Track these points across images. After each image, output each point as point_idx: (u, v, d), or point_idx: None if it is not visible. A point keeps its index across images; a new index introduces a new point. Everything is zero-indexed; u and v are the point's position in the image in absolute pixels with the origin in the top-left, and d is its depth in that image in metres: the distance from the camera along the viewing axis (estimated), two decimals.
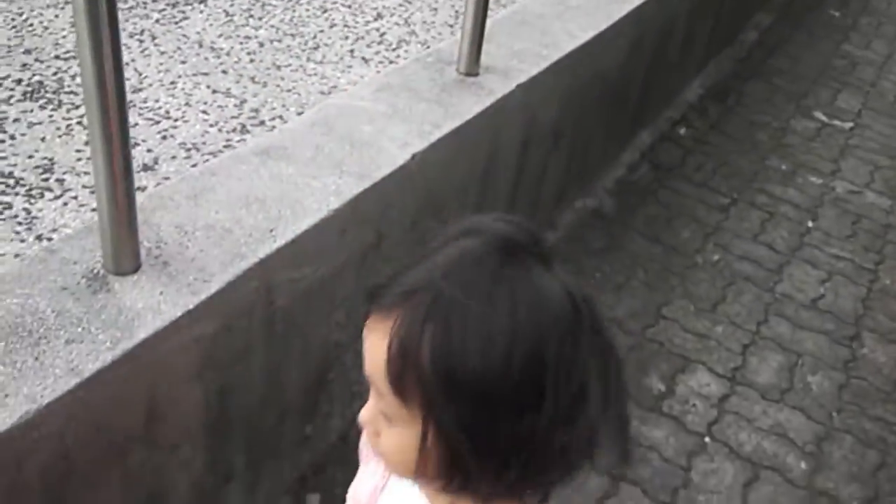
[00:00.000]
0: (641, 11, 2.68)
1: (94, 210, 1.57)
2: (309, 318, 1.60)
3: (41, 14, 3.05)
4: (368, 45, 3.02)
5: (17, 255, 1.79)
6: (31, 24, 2.98)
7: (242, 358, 1.45)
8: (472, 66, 2.05)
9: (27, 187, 2.07)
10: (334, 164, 1.66)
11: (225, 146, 2.33)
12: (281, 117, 2.50)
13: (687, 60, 3.67)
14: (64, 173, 2.14)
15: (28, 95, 2.51)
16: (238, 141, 2.36)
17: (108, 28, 1.15)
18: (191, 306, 1.26)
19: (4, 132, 2.29)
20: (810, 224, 3.14)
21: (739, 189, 3.29)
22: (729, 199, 3.22)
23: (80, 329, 1.18)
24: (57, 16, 3.04)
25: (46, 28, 2.95)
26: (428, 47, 2.98)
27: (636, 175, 3.24)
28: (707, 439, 2.21)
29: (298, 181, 1.59)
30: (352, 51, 2.97)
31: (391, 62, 2.91)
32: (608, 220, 2.96)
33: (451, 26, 3.14)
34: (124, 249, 1.28)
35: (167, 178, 2.13)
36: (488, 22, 2.43)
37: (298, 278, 1.51)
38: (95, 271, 1.29)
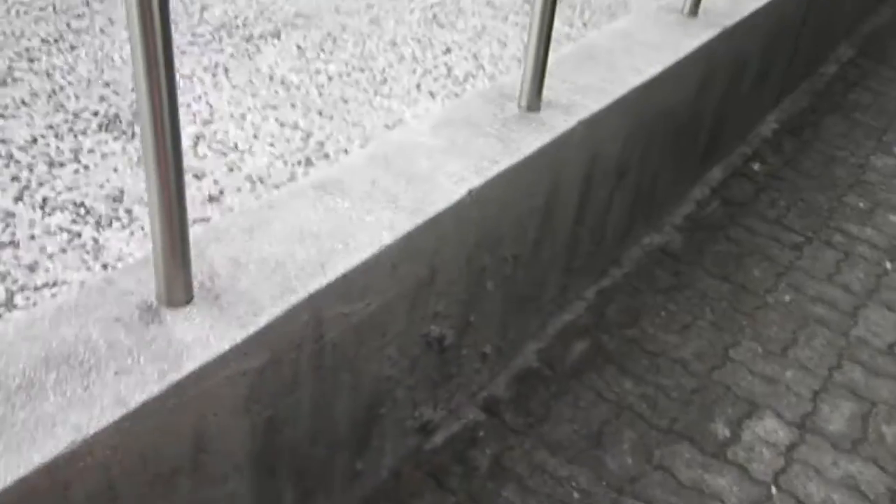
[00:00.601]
0: (711, 47, 2.63)
1: None
2: (359, 352, 1.60)
3: (122, 48, 3.18)
4: (436, 79, 3.04)
5: (82, 283, 1.85)
6: (112, 58, 3.10)
7: (291, 391, 1.45)
8: (534, 101, 2.04)
9: (97, 217, 2.14)
10: (389, 198, 1.66)
11: (289, 179, 2.37)
12: (345, 150, 2.52)
13: (762, 94, 3.58)
14: (132, 203, 2.21)
15: (103, 127, 2.60)
16: (303, 173, 2.39)
17: (163, 59, 1.18)
18: (239, 340, 1.27)
19: (79, 162, 2.37)
20: (888, 265, 3.01)
21: (814, 227, 3.17)
22: (803, 237, 3.11)
23: (129, 360, 1.20)
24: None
25: (125, 61, 3.07)
26: (495, 81, 2.99)
27: (706, 211, 3.16)
28: (774, 490, 2.11)
29: (353, 215, 1.60)
30: (419, 85, 2.99)
31: (457, 96, 2.92)
32: (676, 257, 2.89)
33: (520, 60, 3.13)
34: (177, 282, 1.30)
35: (231, 209, 2.17)
36: (554, 56, 2.42)
37: (349, 313, 1.50)
38: (149, 303, 1.31)
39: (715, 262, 2.90)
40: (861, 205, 3.38)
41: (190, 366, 1.21)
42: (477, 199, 1.76)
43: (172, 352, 1.23)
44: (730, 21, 2.74)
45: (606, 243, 2.61)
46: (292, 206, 1.60)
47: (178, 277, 1.31)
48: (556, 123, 2.00)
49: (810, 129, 3.89)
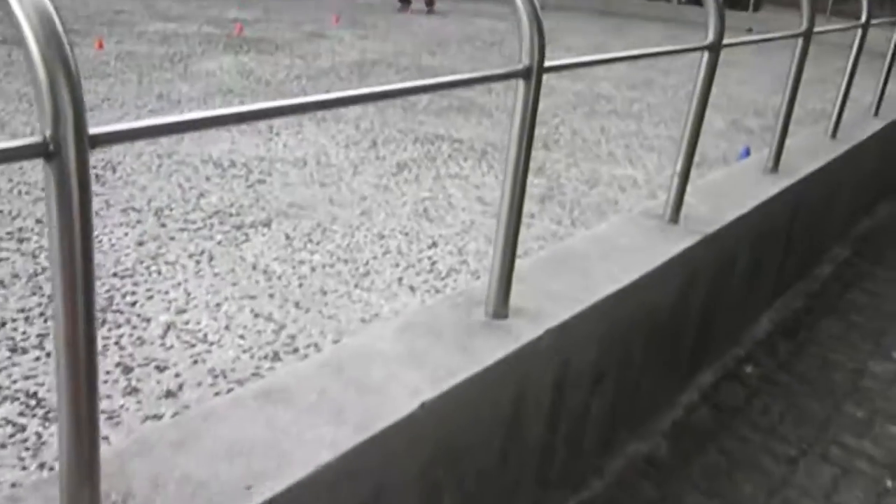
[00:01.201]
0: (692, 252, 2.62)
1: (104, 438, 1.53)
2: None
3: (112, 231, 3.22)
4: (418, 274, 3.04)
5: (12, 485, 1.74)
6: (100, 241, 3.14)
7: None
8: (501, 308, 1.99)
9: (46, 409, 2.07)
10: (335, 411, 1.58)
11: (253, 373, 2.31)
12: (316, 345, 2.48)
13: (753, 296, 3.54)
14: None
15: None
16: (268, 368, 2.33)
17: (82, 268, 1.14)
18: None
19: (43, 349, 2.33)
20: (889, 484, 2.83)
21: (810, 438, 3.03)
22: (798, 449, 2.96)
23: None
24: (126, 234, 3.20)
25: (113, 245, 3.10)
26: (478, 277, 2.97)
27: (695, 417, 3.04)
28: None
29: (293, 430, 1.51)
30: (400, 279, 2.99)
31: (438, 291, 2.91)
32: (662, 468, 2.74)
33: None
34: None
35: (187, 407, 2.09)
36: (528, 261, 2.40)
37: None
38: None
39: (704, 475, 2.75)
40: (859, 414, 3.25)
41: None
42: (431, 412, 1.67)
43: None
44: (711, 228, 2.74)
45: (585, 452, 2.48)
46: (230, 416, 1.52)
47: (83, 500, 1.21)
48: (521, 332, 1.94)
49: (805, 331, 3.82)
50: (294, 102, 1.46)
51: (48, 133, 1.05)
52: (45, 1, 1.04)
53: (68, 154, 1.06)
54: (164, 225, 3.30)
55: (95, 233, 3.23)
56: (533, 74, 1.71)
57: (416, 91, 1.80)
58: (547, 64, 1.74)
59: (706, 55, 2.54)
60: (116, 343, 2.38)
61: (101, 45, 7.14)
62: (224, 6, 10.42)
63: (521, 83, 1.74)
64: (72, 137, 1.06)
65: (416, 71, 7.16)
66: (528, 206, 3.85)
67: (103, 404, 2.09)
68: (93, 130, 1.10)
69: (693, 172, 4.41)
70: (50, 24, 1.04)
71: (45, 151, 1.06)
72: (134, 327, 2.47)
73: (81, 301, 1.15)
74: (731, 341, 3.48)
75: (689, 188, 3.01)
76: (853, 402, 3.33)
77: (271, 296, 2.75)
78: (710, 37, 2.51)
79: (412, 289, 2.86)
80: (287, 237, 3.24)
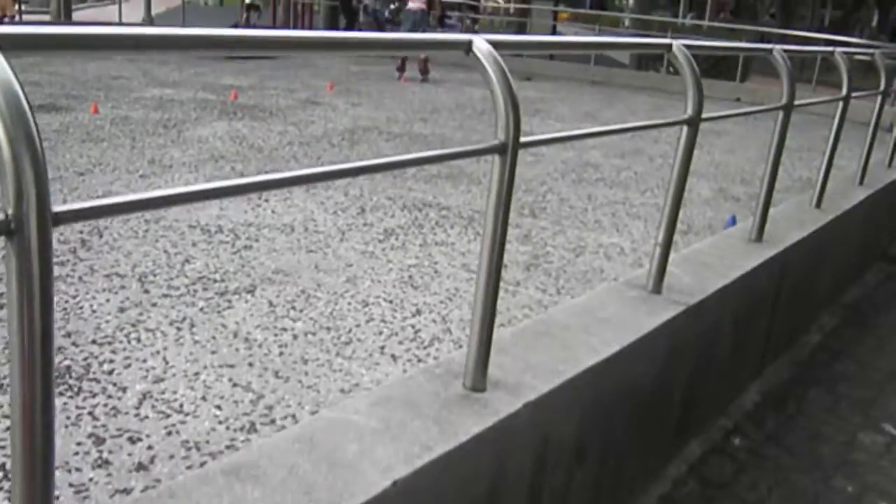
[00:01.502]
0: (675, 324, 2.60)
1: None
2: None
3: (94, 297, 3.20)
4: (401, 342, 3.01)
5: None
6: (81, 307, 3.11)
7: None
8: (479, 380, 1.97)
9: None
10: (305, 489, 1.54)
11: (227, 446, 2.26)
12: (293, 416, 2.44)
13: (740, 365, 3.52)
14: (55, 468, 2.09)
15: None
16: (243, 440, 2.29)
17: (41, 345, 1.12)
18: None
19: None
20: None
21: None
22: None
23: None
24: (108, 300, 3.17)
25: (94, 311, 3.07)
26: (460, 346, 2.95)
27: (682, 492, 2.99)
28: None
29: None
30: (383, 347, 2.96)
31: (420, 360, 2.88)
32: None
33: None
34: None
35: (158, 481, 2.04)
36: (509, 331, 2.39)
37: None
38: None
39: None
40: (849, 489, 3.19)
41: None
42: (404, 490, 1.63)
43: None
44: (694, 299, 2.73)
45: None
46: (195, 495, 1.48)
47: None
48: (499, 406, 1.91)
49: (794, 402, 3.78)
50: (274, 177, 1.46)
51: (10, 211, 1.05)
52: (11, 78, 1.05)
53: (30, 232, 1.06)
54: (147, 291, 3.29)
55: (77, 299, 3.22)
56: (508, 150, 1.72)
57: (396, 166, 1.81)
58: (522, 140, 1.75)
59: (685, 129, 2.57)
60: (90, 413, 2.35)
61: (96, 110, 7.22)
62: (220, 73, 10.59)
63: (496, 158, 1.75)
64: (34, 216, 1.05)
65: (407, 138, 7.24)
66: (514, 273, 3.85)
67: (72, 477, 2.04)
68: (56, 208, 1.10)
69: (679, 240, 4.43)
70: (15, 101, 1.04)
71: (7, 229, 1.05)
72: (109, 396, 2.43)
73: (39, 380, 1.13)
74: (717, 412, 3.44)
75: (673, 257, 3.01)
76: (843, 475, 3.28)
77: (251, 364, 2.72)
78: (689, 111, 2.55)
79: (394, 357, 2.84)
80: (270, 304, 3.22)
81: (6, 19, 13.09)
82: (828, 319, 4.79)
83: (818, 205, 4.47)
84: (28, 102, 1.06)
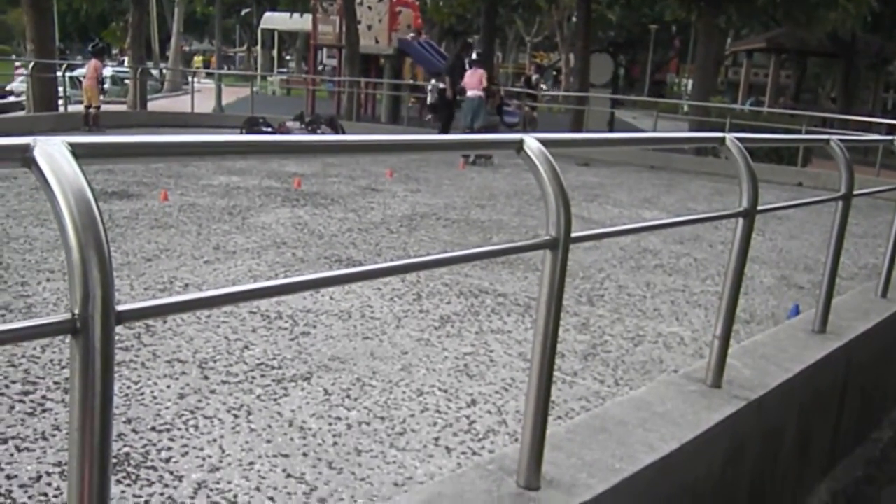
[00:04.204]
0: (736, 420, 2.54)
1: None
2: None
3: (156, 384, 3.26)
4: (455, 434, 2.98)
5: None
6: (142, 393, 3.17)
7: None
8: (533, 478, 1.94)
9: None
10: None
11: None
12: None
13: (806, 465, 3.38)
14: None
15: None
16: None
17: (100, 439, 1.15)
18: None
19: None
20: None
21: None
22: None
23: None
24: (169, 386, 3.23)
25: (155, 398, 3.12)
26: (516, 439, 2.90)
27: None
28: None
29: None
30: (437, 438, 2.93)
31: (474, 453, 2.84)
32: None
33: None
34: None
35: None
36: (563, 427, 2.36)
37: None
38: None
39: None
40: None
41: None
42: None
43: None
44: (755, 394, 2.67)
45: None
46: None
47: None
48: None
49: (866, 503, 3.61)
50: (327, 275, 1.50)
51: (76, 311, 1.10)
52: (84, 186, 1.11)
53: (94, 332, 1.10)
54: (206, 377, 3.34)
55: (139, 385, 3.28)
56: (560, 245, 1.74)
57: (448, 262, 1.84)
58: (574, 235, 1.77)
59: (741, 220, 2.55)
60: (146, 502, 2.37)
61: (165, 197, 7.49)
62: (285, 161, 10.92)
63: (548, 253, 1.77)
64: (99, 316, 1.10)
65: (464, 224, 7.31)
66: (571, 363, 3.81)
67: None
68: (121, 307, 1.14)
69: (741, 330, 4.34)
70: (87, 208, 1.10)
71: (73, 329, 1.10)
72: (166, 485, 2.45)
73: (97, 473, 1.16)
74: None
75: (733, 350, 2.95)
76: None
77: (305, 454, 2.72)
78: (745, 203, 2.54)
79: (448, 450, 2.81)
80: (326, 392, 3.24)
81: (92, 109, 13.76)
82: None
83: (884, 294, 4.35)
84: (99, 210, 1.11)
